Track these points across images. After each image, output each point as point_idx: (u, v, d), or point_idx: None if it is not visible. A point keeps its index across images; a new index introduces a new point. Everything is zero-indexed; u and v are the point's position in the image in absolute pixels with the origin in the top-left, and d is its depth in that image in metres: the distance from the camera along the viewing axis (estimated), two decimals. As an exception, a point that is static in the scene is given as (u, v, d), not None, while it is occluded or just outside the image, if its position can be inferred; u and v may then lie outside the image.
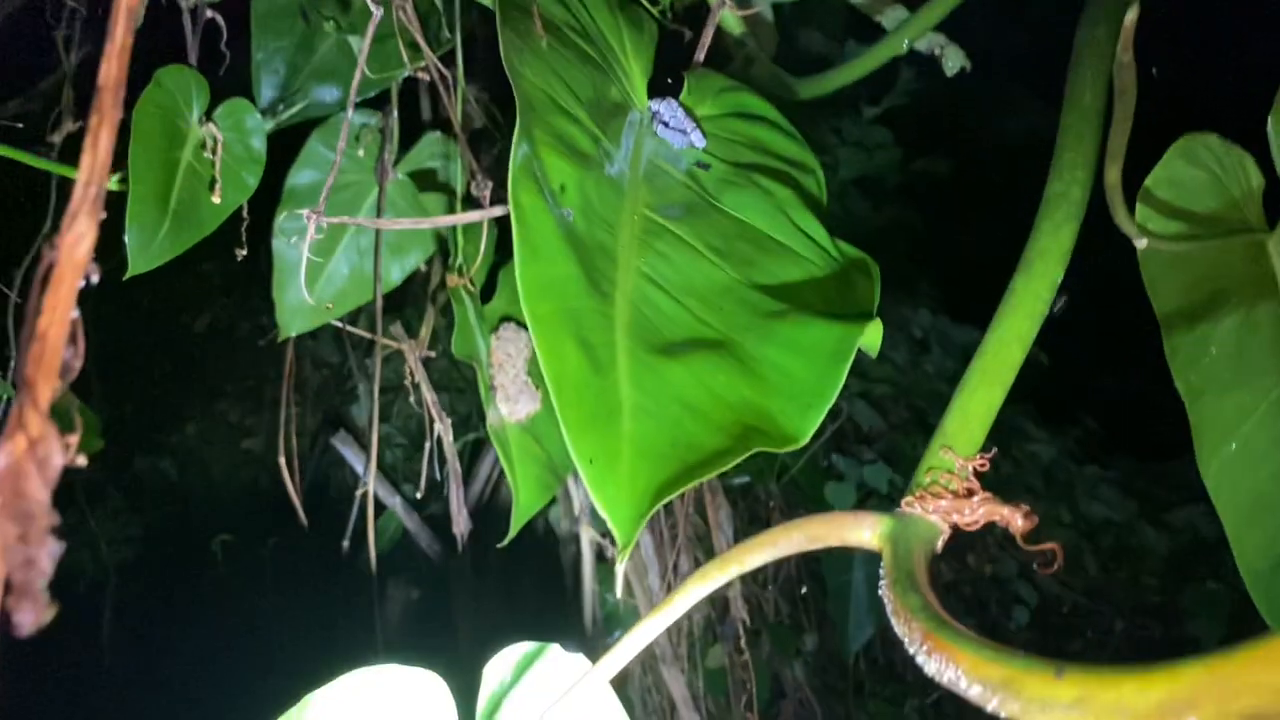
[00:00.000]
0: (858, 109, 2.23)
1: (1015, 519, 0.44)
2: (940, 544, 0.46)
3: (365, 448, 2.12)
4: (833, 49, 1.93)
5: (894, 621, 0.41)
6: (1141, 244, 0.75)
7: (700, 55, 0.77)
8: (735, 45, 0.90)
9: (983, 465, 0.46)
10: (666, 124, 0.67)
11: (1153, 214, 0.82)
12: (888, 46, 0.88)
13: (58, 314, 0.27)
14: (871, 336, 0.56)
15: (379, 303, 1.33)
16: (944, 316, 2.35)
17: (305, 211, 0.73)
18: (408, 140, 1.43)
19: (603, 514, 0.42)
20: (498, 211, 0.83)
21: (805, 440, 0.48)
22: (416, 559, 2.44)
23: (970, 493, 0.46)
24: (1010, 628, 2.28)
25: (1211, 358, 0.85)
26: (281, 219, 1.34)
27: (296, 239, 1.36)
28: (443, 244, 1.42)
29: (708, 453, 0.45)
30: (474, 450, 2.41)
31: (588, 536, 1.63)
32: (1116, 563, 2.41)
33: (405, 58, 1.11)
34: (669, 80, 0.73)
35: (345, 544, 1.49)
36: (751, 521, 1.97)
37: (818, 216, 0.67)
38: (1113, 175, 0.69)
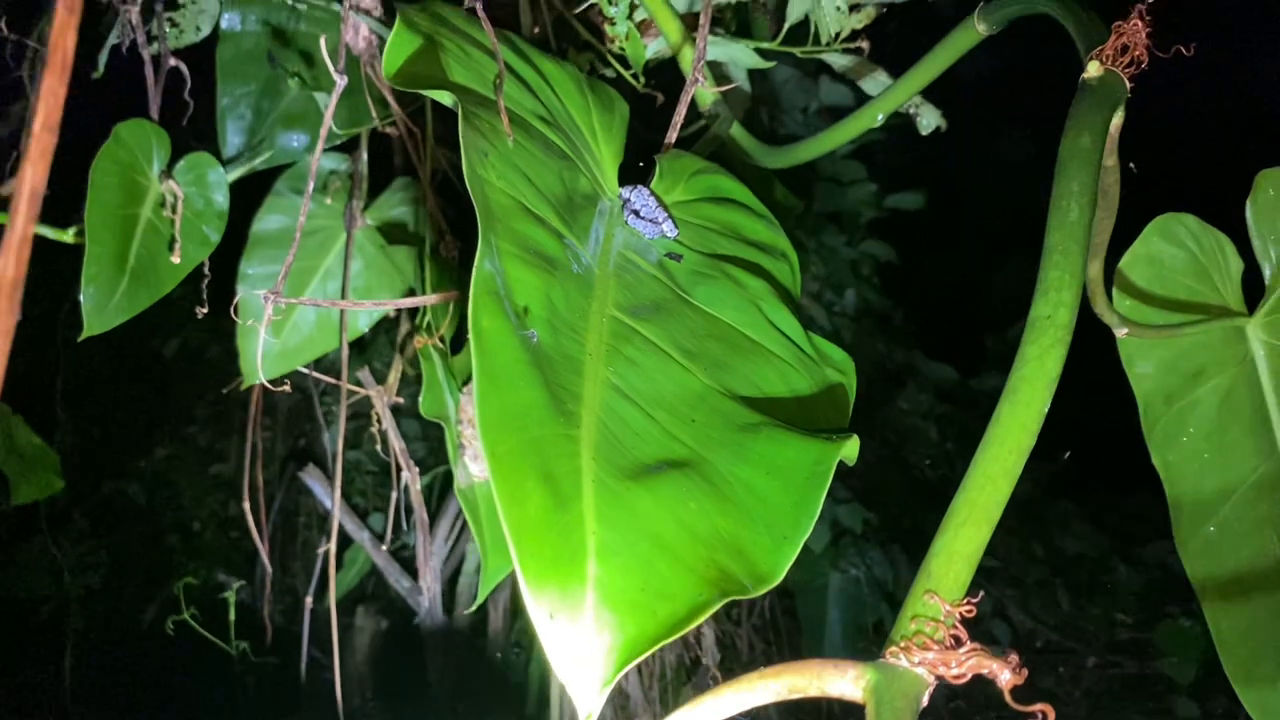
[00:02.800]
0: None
1: (1003, 673, 0.42)
2: (926, 698, 0.44)
3: (332, 479, 2.08)
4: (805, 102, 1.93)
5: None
6: (1122, 333, 0.73)
7: (672, 136, 0.75)
8: (709, 117, 0.88)
9: (969, 611, 0.44)
10: (638, 213, 0.65)
11: (1130, 291, 0.81)
12: (860, 120, 0.86)
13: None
14: (849, 450, 0.54)
15: (345, 351, 1.30)
16: (918, 352, 2.35)
17: (263, 293, 0.70)
18: (377, 183, 1.40)
19: (562, 676, 0.40)
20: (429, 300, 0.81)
21: (776, 582, 0.46)
22: (387, 588, 2.41)
23: (957, 641, 0.44)
24: (984, 666, 2.24)
25: (1190, 437, 0.83)
26: (247, 265, 1.31)
27: (261, 288, 1.34)
28: (412, 295, 1.39)
29: (680, 603, 0.43)
30: (445, 484, 2.38)
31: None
32: (1089, 598, 2.40)
33: (374, 113, 1.09)
34: (640, 164, 0.71)
35: (309, 598, 1.45)
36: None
37: (791, 310, 0.65)
38: (1094, 269, 0.67)
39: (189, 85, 1.15)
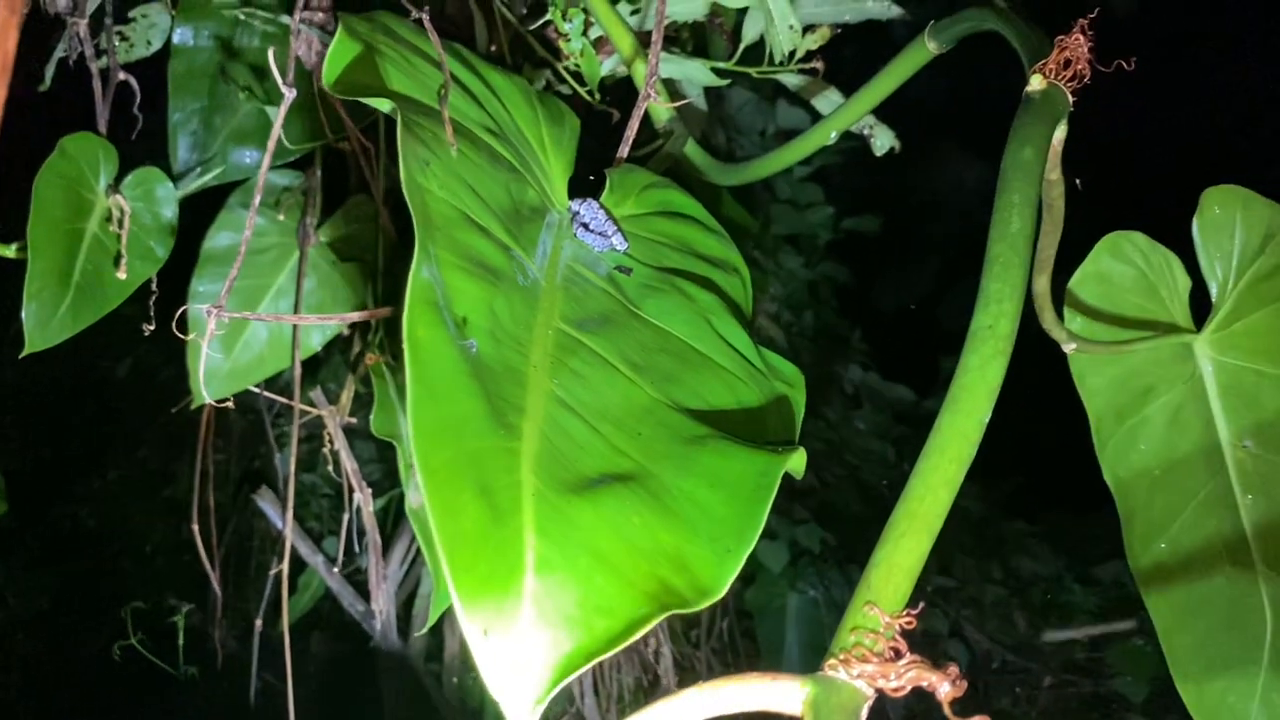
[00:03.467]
0: (789, 168, 2.23)
1: (943, 685, 0.42)
2: (865, 711, 0.43)
3: (284, 501, 2.05)
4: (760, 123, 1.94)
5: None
6: (1070, 349, 0.74)
7: (624, 150, 0.75)
8: (663, 134, 0.88)
9: (909, 623, 0.44)
10: (587, 226, 0.65)
11: (1080, 309, 0.81)
12: (813, 139, 0.86)
13: None
14: (796, 463, 0.54)
15: (297, 369, 1.29)
16: (874, 373, 2.35)
17: (206, 308, 0.69)
18: (332, 201, 1.39)
19: (495, 693, 0.39)
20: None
21: (720, 595, 0.46)
22: (342, 612, 2.37)
23: (897, 653, 0.43)
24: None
25: (1140, 454, 0.84)
26: (198, 283, 1.30)
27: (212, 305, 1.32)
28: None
29: (617, 618, 0.42)
30: (400, 506, 2.35)
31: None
32: (1045, 619, 2.41)
33: (327, 129, 1.08)
34: (590, 178, 0.71)
35: (258, 622, 1.43)
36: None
37: (742, 324, 0.64)
38: (1041, 284, 0.68)
39: (138, 99, 1.13)
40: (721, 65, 1.04)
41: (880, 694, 0.44)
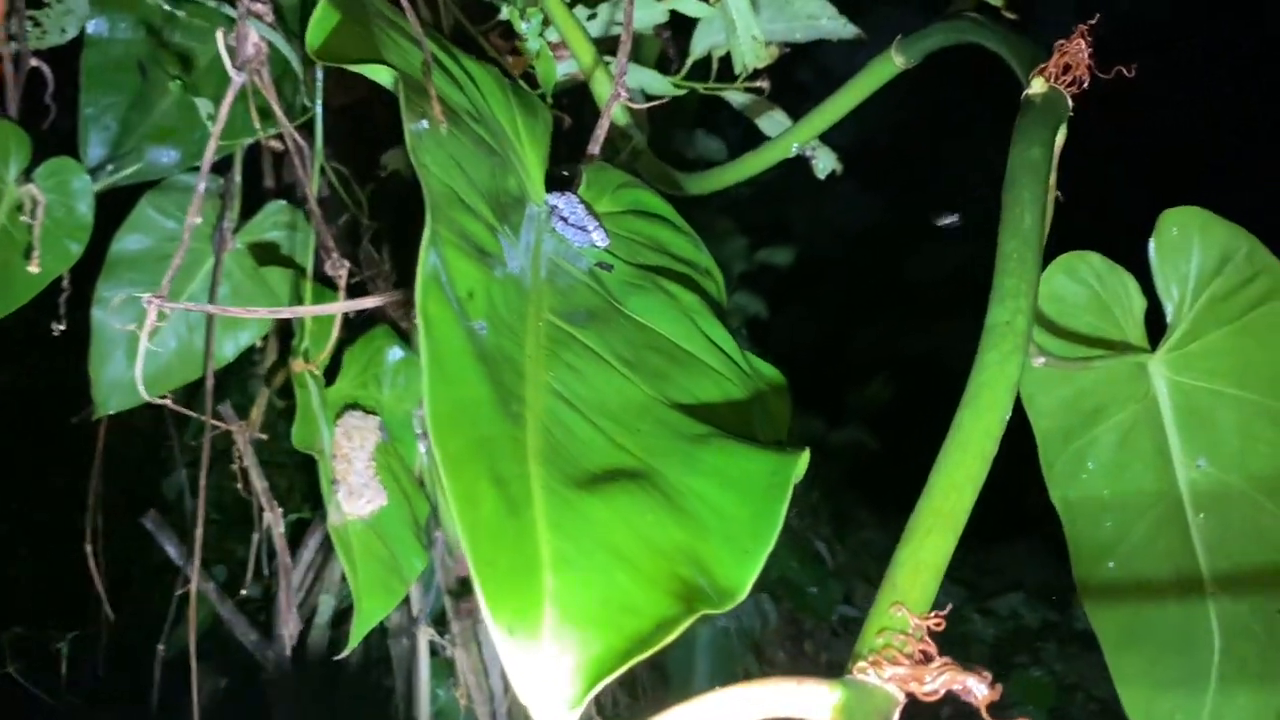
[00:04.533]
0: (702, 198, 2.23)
1: (980, 689, 0.40)
2: (896, 716, 0.41)
3: (176, 528, 1.95)
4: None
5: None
6: (1039, 363, 0.74)
7: (595, 147, 0.73)
8: (621, 137, 0.86)
9: (938, 625, 0.42)
10: (566, 220, 0.62)
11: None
12: (775, 149, 0.86)
13: None
14: (801, 465, 0.52)
15: (209, 381, 1.22)
16: (787, 404, 2.36)
17: (146, 296, 0.64)
18: (247, 208, 1.33)
19: (525, 698, 0.36)
20: (367, 303, 0.76)
21: (743, 595, 0.43)
22: (228, 645, 2.26)
23: (927, 657, 0.42)
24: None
25: (1089, 474, 0.84)
26: (104, 287, 1.22)
27: (119, 309, 1.25)
28: (283, 320, 1.32)
29: (645, 617, 0.39)
30: (294, 533, 2.26)
31: (425, 636, 1.53)
32: (945, 650, 2.44)
33: (257, 124, 1.03)
34: (565, 173, 0.68)
35: (161, 648, 1.35)
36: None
37: (724, 325, 0.62)
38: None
39: (51, 88, 1.06)
40: (670, 80, 1.03)
41: (911, 698, 0.42)
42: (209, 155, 0.74)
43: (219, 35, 0.68)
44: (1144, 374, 0.79)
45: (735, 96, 1.09)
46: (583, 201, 0.63)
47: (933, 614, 0.42)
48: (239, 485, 1.34)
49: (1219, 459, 0.78)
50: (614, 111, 0.80)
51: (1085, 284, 0.81)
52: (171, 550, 2.03)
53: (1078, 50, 0.54)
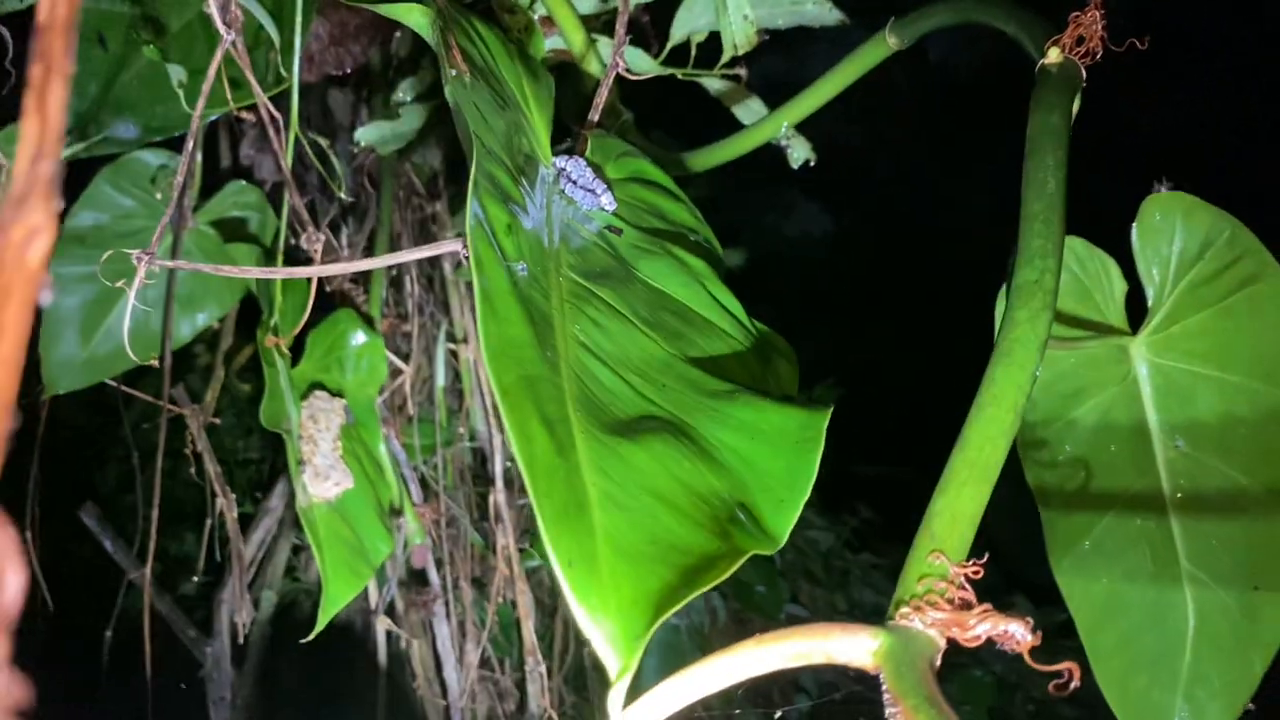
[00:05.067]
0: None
1: (1023, 635, 0.40)
2: (938, 661, 0.41)
3: (113, 520, 1.89)
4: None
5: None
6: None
7: (596, 115, 0.72)
8: (609, 113, 0.85)
9: (976, 572, 0.42)
10: (575, 182, 0.62)
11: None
12: (766, 128, 0.86)
13: (5, 343, 0.18)
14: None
15: (167, 360, 1.19)
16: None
17: (136, 253, 0.62)
18: (204, 189, 1.31)
19: (588, 631, 0.35)
20: (359, 265, 0.74)
21: (783, 541, 0.43)
22: (165, 642, 2.20)
23: (967, 604, 0.42)
24: (792, 716, 2.28)
25: (1067, 456, 0.86)
26: (57, 264, 1.19)
27: (74, 290, 1.21)
28: (244, 301, 1.29)
29: (694, 555, 0.39)
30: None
31: (383, 627, 1.50)
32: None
33: (229, 96, 1.01)
34: (568, 139, 0.67)
35: (109, 633, 1.31)
36: (552, 612, 1.88)
37: (732, 291, 0.62)
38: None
39: (9, 54, 1.03)
40: (650, 63, 1.02)
41: (951, 643, 0.42)
42: (197, 118, 0.72)
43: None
44: (1125, 356, 0.81)
45: (712, 83, 1.09)
46: (590, 164, 0.63)
47: (971, 561, 0.43)
48: (191, 471, 1.31)
49: (1198, 440, 0.79)
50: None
51: (1066, 268, 0.82)
52: (108, 543, 1.97)
53: (1092, 21, 0.55)
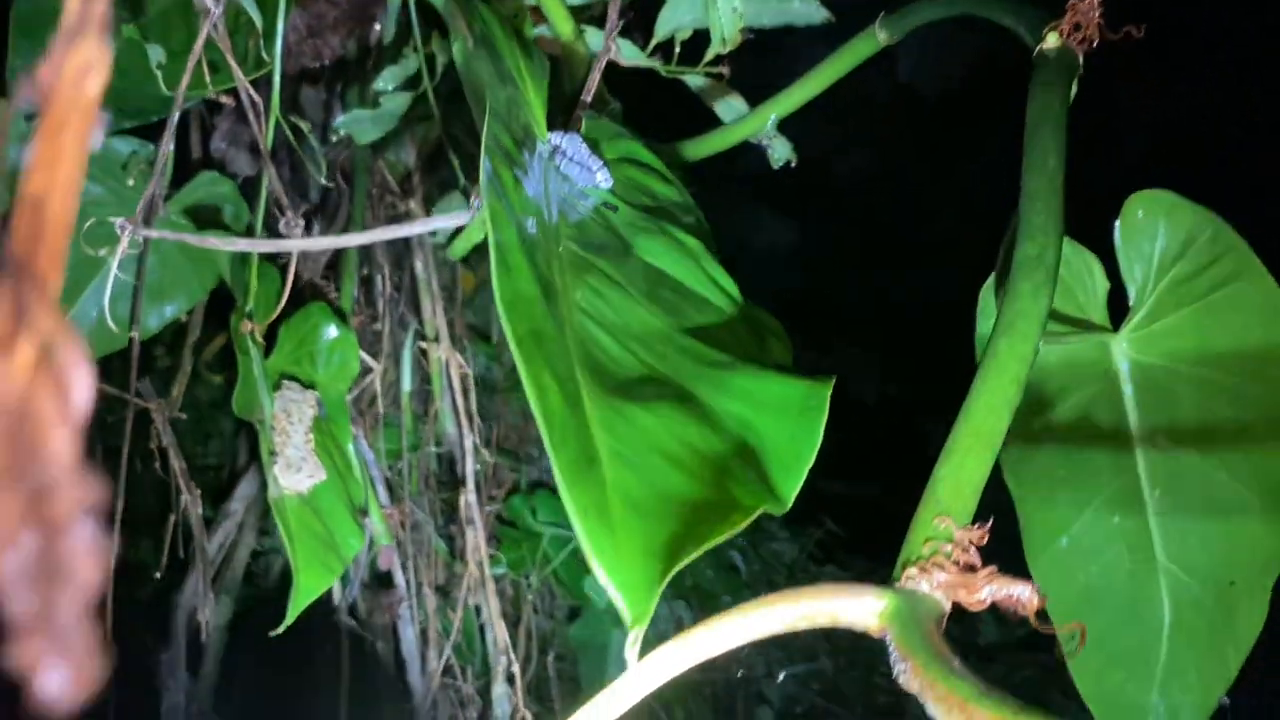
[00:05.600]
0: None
1: (1030, 598, 0.40)
2: (943, 624, 0.41)
3: (113, 518, 1.85)
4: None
5: (933, 704, 0.36)
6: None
7: (588, 97, 0.72)
8: (598, 101, 0.85)
9: (981, 538, 0.42)
10: (570, 158, 0.61)
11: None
12: (752, 122, 0.86)
13: (61, 172, 0.18)
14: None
15: (135, 351, 1.17)
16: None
17: (119, 221, 0.61)
18: (176, 180, 1.29)
19: (603, 580, 0.35)
20: (344, 241, 0.73)
21: (789, 504, 0.43)
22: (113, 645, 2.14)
23: (971, 568, 0.42)
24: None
25: (1046, 453, 0.86)
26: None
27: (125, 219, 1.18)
28: (212, 295, 1.27)
29: (704, 510, 0.38)
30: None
31: (346, 628, 1.48)
32: (851, 663, 2.47)
33: (208, 79, 0.99)
34: (561, 119, 0.67)
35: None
36: (515, 621, 1.86)
37: (726, 271, 0.62)
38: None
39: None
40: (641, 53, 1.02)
41: (956, 608, 0.42)
42: (180, 97, 0.71)
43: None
44: (1106, 353, 0.81)
45: (695, 79, 1.09)
46: (586, 141, 0.62)
47: (976, 525, 0.42)
48: (155, 468, 1.29)
49: (1178, 435, 0.80)
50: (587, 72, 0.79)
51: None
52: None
53: (1089, 8, 0.56)
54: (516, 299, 0.39)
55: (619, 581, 0.34)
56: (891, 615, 0.40)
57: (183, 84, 0.73)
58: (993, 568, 0.42)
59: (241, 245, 0.79)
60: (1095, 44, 0.56)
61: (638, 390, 0.44)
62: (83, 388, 0.15)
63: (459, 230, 0.77)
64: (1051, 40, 0.56)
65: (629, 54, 0.93)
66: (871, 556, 2.74)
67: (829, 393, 0.48)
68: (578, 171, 0.61)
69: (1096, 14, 0.55)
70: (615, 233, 0.59)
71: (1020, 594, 0.41)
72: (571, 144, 0.62)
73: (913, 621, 0.40)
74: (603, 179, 0.61)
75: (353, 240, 0.79)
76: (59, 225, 0.18)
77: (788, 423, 0.46)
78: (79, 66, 0.18)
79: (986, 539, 0.43)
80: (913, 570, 0.41)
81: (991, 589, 0.41)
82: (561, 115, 0.72)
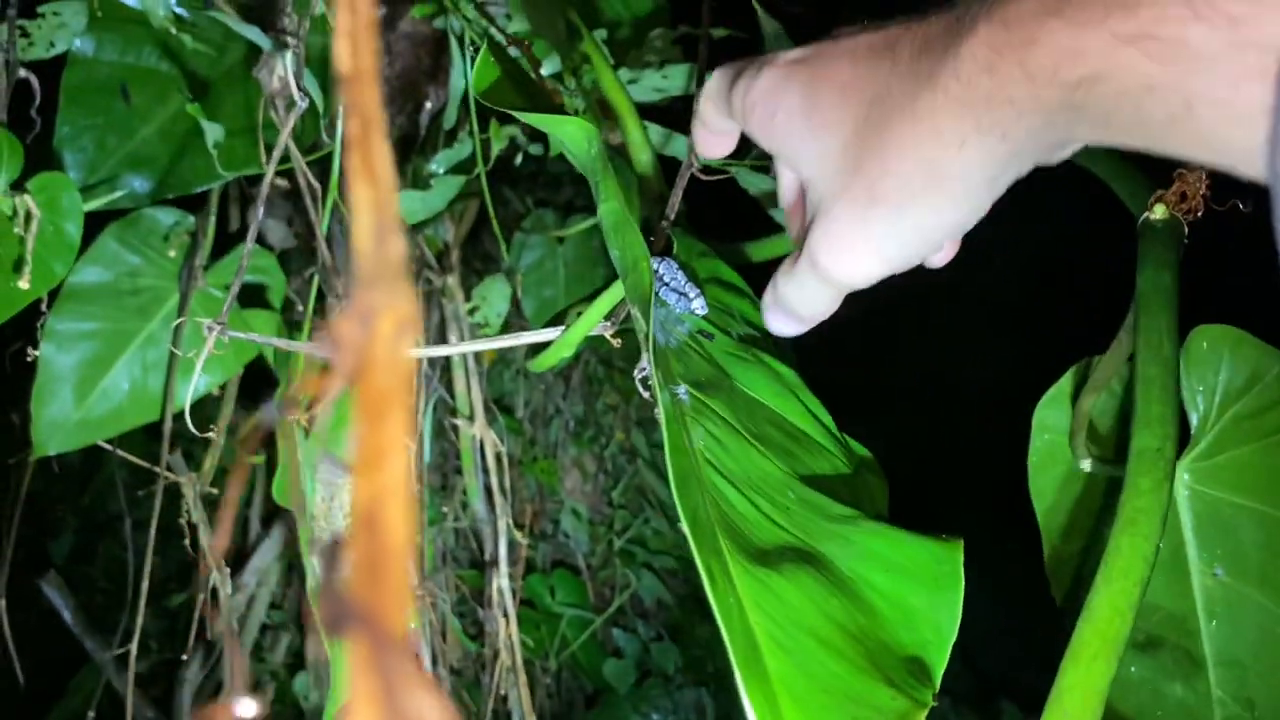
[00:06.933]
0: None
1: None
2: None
3: (72, 591, 1.82)
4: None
5: None
6: (1086, 464, 0.75)
7: (672, 213, 0.72)
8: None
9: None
10: (667, 284, 0.61)
11: (1047, 429, 0.83)
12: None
13: (389, 473, 0.16)
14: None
15: (168, 424, 1.16)
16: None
17: (207, 322, 0.60)
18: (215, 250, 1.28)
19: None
20: (438, 351, 0.73)
21: (937, 687, 0.42)
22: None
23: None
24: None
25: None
26: (56, 320, 1.15)
27: (70, 347, 1.17)
28: (265, 366, 1.26)
29: (871, 707, 0.37)
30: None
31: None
32: None
33: (263, 159, 0.99)
34: (652, 237, 0.67)
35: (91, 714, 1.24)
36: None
37: (822, 402, 0.62)
38: (1087, 404, 0.69)
39: (38, 100, 1.01)
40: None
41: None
42: (270, 171, 0.70)
43: (285, 59, 0.65)
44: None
45: (746, 175, 1.10)
46: (683, 266, 0.62)
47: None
48: (184, 542, 1.26)
49: (1238, 570, 0.80)
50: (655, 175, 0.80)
51: (1113, 393, 0.83)
52: (67, 615, 1.88)
53: (1197, 180, 0.56)
54: (683, 475, 0.38)
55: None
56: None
57: (276, 153, 0.72)
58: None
59: (305, 348, 0.78)
60: (1200, 214, 0.57)
61: (774, 556, 0.43)
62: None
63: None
64: (1159, 211, 0.56)
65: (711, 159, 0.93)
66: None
67: (961, 557, 0.47)
68: (675, 299, 0.60)
69: (1203, 185, 0.56)
70: (715, 364, 0.58)
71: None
72: (668, 269, 0.61)
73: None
74: (699, 306, 0.61)
75: (436, 351, 0.78)
76: (399, 550, 0.16)
77: (923, 591, 0.45)
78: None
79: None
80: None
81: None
82: (646, 233, 0.72)
